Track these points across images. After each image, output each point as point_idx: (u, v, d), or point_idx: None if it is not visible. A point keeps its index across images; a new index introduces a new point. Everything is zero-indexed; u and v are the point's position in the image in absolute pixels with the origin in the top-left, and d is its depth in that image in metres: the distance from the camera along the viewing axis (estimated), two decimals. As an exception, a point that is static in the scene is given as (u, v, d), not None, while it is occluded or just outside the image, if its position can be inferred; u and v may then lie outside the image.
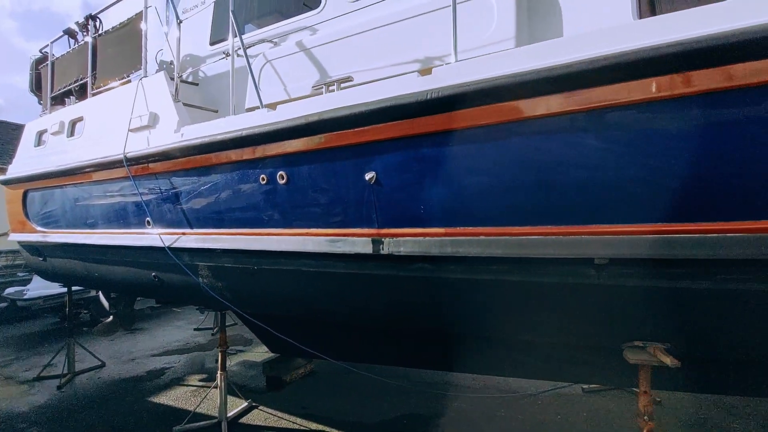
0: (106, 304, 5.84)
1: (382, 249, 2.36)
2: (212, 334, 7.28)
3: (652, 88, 1.65)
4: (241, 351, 6.42)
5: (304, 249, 2.66)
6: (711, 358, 2.23)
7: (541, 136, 1.86)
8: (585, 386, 4.54)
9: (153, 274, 3.81)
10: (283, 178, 2.64)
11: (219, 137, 2.88)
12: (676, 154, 1.66)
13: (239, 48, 3.03)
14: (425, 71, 2.25)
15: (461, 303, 2.41)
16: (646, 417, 2.30)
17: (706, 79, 1.56)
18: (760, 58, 1.49)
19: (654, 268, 1.86)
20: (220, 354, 4.04)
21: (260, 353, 5.99)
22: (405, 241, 2.29)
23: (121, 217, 3.85)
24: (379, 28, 2.78)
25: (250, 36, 3.78)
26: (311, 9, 3.45)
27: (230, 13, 3.05)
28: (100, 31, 4.77)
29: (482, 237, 2.09)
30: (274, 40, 3.63)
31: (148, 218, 3.53)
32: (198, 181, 3.16)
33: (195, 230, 3.25)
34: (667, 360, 2.05)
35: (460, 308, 2.44)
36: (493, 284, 2.20)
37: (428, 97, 2.05)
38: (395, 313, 2.74)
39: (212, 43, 4.07)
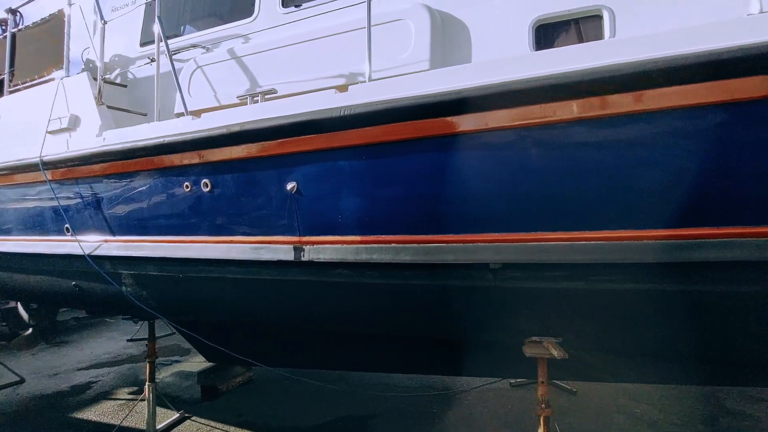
0: (24, 315, 5.42)
1: (303, 256, 2.45)
2: (147, 345, 6.95)
3: (532, 114, 1.89)
4: (177, 361, 6.20)
5: (229, 256, 2.69)
6: (597, 349, 2.52)
7: (441, 153, 2.05)
8: (512, 381, 4.86)
9: (73, 283, 3.64)
10: (207, 186, 2.66)
11: (142, 143, 2.84)
12: (546, 172, 1.91)
13: (164, 52, 3.01)
14: (343, 88, 2.39)
15: (378, 306, 2.55)
16: (543, 405, 2.55)
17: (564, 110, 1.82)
18: (614, 92, 1.75)
19: (538, 271, 2.11)
20: (147, 365, 3.92)
21: (197, 363, 5.82)
22: (324, 248, 2.40)
23: (38, 224, 3.65)
24: (306, 42, 2.89)
25: (181, 40, 3.75)
26: (245, 17, 3.49)
27: (157, 19, 3.03)
28: (20, 26, 4.49)
29: (393, 244, 2.25)
30: (206, 46, 3.62)
31: (66, 225, 3.37)
32: (120, 187, 3.08)
33: (117, 237, 3.17)
34: (555, 353, 2.31)
35: (378, 311, 2.59)
36: (404, 288, 2.36)
37: (341, 113, 2.18)
38: (320, 317, 2.83)
39: (142, 45, 3.97)
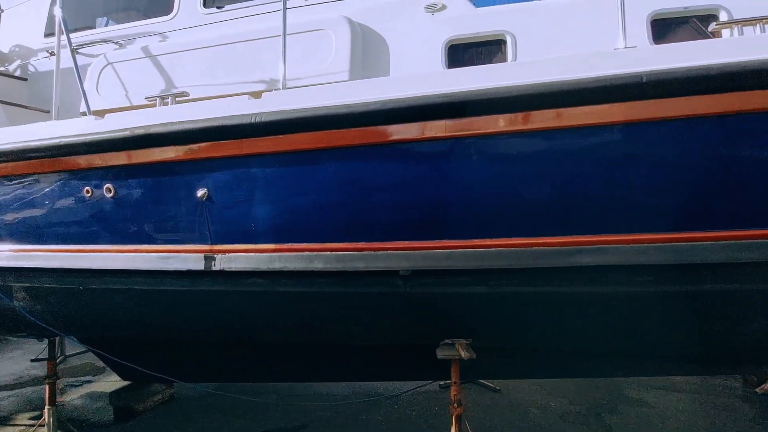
0: None
1: (214, 265, 2.37)
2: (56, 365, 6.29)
3: (434, 128, 1.99)
4: (88, 382, 5.67)
5: (135, 266, 2.53)
6: (502, 347, 2.68)
7: (350, 162, 2.09)
8: (442, 382, 5.02)
9: (-45, 298, 3.22)
10: (110, 192, 2.49)
11: (35, 144, 2.60)
12: (449, 182, 2.02)
13: (66, 45, 2.78)
14: (257, 94, 2.36)
15: (293, 315, 2.53)
16: (455, 404, 2.67)
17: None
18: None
19: (445, 276, 2.21)
20: (47, 386, 3.55)
21: (112, 383, 5.37)
22: (237, 257, 2.34)
23: None
24: (225, 45, 2.82)
25: (92, 33, 3.50)
26: (164, 14, 3.33)
27: (57, 7, 2.78)
28: None
29: (306, 252, 2.25)
30: (120, 42, 3.41)
31: (-55, 233, 2.99)
32: (12, 191, 2.79)
33: (8, 246, 2.86)
34: (463, 354, 2.44)
35: (293, 320, 2.57)
36: (319, 296, 2.37)
37: (252, 120, 2.15)
38: (235, 328, 2.75)
39: (46, 35, 3.65)
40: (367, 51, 2.75)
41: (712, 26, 1.96)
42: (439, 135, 1.96)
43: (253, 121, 2.15)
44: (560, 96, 1.77)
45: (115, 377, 4.96)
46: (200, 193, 2.33)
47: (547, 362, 2.88)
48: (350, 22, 2.71)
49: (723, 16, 2.36)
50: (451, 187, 2.02)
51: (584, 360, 2.82)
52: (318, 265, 2.24)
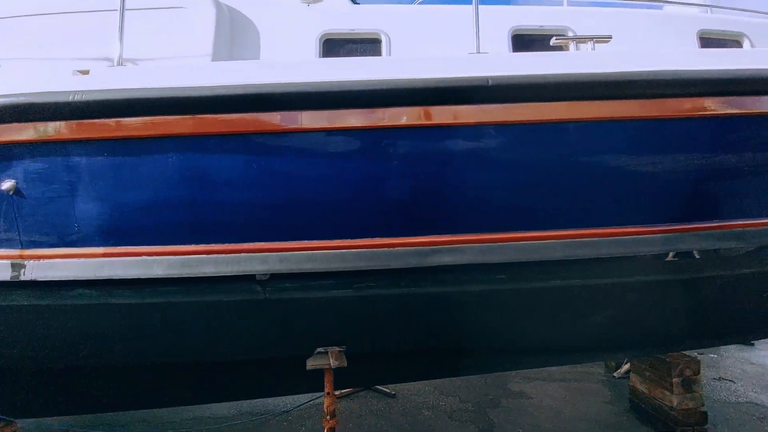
0: None
1: (24, 274, 1.94)
2: None
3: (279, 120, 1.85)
4: None
5: None
6: (374, 353, 2.61)
7: (195, 153, 1.86)
8: (336, 392, 4.85)
9: None
10: None
11: None
12: (310, 177, 1.90)
13: None
14: (85, 71, 2.00)
15: (137, 331, 2.18)
16: (328, 416, 2.53)
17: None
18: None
19: (309, 280, 2.07)
20: None
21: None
22: (54, 264, 1.94)
23: None
24: (56, 15, 2.39)
25: None
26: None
27: None
28: None
29: (144, 257, 1.94)
30: None
31: None
32: None
33: None
34: (332, 362, 2.31)
35: (137, 337, 2.22)
36: (164, 308, 2.06)
37: (72, 99, 1.81)
38: (61, 350, 2.29)
39: None
40: (236, 36, 2.54)
41: (553, 41, 2.13)
42: (295, 127, 1.83)
43: (73, 99, 1.80)
44: (408, 94, 1.76)
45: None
46: (5, 185, 1.90)
47: (428, 363, 2.89)
48: (216, 2, 2.47)
49: (570, 35, 2.61)
50: (309, 184, 1.90)
51: (462, 358, 2.88)
52: (158, 271, 1.94)
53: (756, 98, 2.07)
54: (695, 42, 2.73)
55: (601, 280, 2.43)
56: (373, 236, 1.93)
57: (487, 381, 5.06)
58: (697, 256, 2.80)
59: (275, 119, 1.83)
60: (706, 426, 3.56)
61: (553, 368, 5.33)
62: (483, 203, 1.95)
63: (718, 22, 2.89)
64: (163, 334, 2.21)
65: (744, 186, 2.32)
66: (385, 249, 1.94)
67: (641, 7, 2.92)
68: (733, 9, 3.33)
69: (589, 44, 2.06)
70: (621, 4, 2.90)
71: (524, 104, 1.80)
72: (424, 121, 1.79)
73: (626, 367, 4.71)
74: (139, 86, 1.79)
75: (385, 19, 2.59)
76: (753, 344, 5.82)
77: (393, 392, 4.79)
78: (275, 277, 2.02)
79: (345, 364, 2.36)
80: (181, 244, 1.91)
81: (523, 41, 2.64)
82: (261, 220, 1.91)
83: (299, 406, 4.56)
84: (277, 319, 2.22)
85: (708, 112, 2.03)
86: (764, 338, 4.39)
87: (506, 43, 2.57)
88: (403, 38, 2.55)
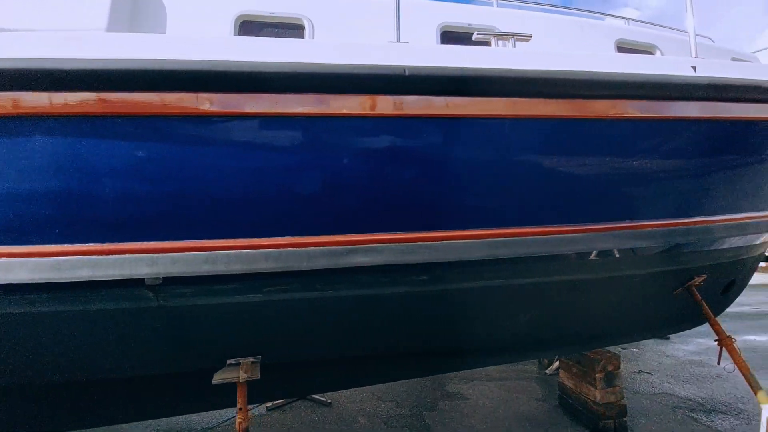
0: None
1: None
2: None
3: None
4: None
5: None
6: (295, 361, 2.43)
7: (56, 136, 1.58)
8: (269, 404, 4.59)
9: None
10: None
11: None
12: (204, 167, 1.69)
13: None
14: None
15: (5, 344, 1.84)
16: (242, 434, 2.30)
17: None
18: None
19: (209, 284, 1.85)
20: None
21: None
22: None
23: None
24: None
25: None
26: None
27: None
28: None
29: (4, 259, 1.63)
30: None
31: None
32: None
33: None
34: (243, 374, 2.10)
35: (12, 353, 1.87)
36: (32, 318, 1.75)
37: None
38: None
39: None
40: (139, 11, 2.26)
41: (475, 35, 2.09)
42: (186, 110, 1.62)
43: None
44: (319, 81, 1.62)
45: None
46: None
47: (356, 370, 2.74)
48: (114, -27, 2.18)
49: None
50: (206, 174, 1.69)
51: (392, 363, 2.76)
52: (22, 275, 1.64)
53: (666, 103, 2.15)
54: (613, 49, 2.86)
55: (525, 279, 2.43)
56: (280, 235, 1.76)
57: (425, 383, 5.03)
58: (617, 255, 2.91)
59: (168, 100, 1.60)
60: (626, 418, 3.73)
61: (491, 368, 5.42)
62: (400, 201, 1.85)
63: (635, 33, 3.03)
64: (33, 348, 1.88)
65: (654, 187, 2.42)
66: (295, 249, 1.78)
67: (566, 14, 3.00)
68: (648, 23, 3.55)
69: (510, 41, 2.05)
70: (548, 10, 2.96)
71: (442, 98, 1.73)
72: (334, 111, 1.66)
73: (556, 364, 4.87)
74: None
75: (309, 4, 2.43)
76: (668, 338, 6.29)
77: (329, 401, 4.61)
78: (169, 282, 1.78)
79: (258, 376, 2.16)
80: (51, 243, 1.63)
81: (452, 38, 2.60)
82: (149, 215, 1.67)
83: (225, 421, 4.25)
84: (177, 330, 1.97)
85: (622, 115, 2.08)
86: (678, 332, 4.71)
87: (435, 38, 2.51)
88: (327, 25, 2.41)
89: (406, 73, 1.65)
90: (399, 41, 1.87)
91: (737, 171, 2.63)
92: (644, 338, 5.04)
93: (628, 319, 3.78)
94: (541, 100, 1.83)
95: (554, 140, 1.95)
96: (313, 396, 4.64)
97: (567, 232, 2.09)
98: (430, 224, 1.93)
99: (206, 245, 1.71)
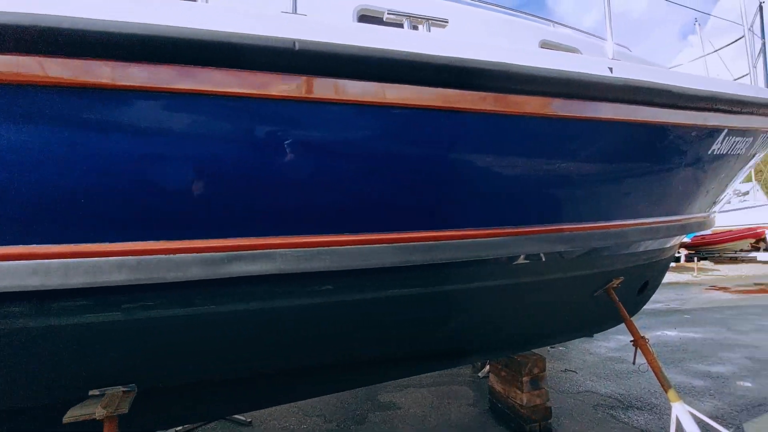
0: None
1: None
2: None
3: None
4: None
5: None
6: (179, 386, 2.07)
7: None
8: (179, 428, 4.09)
9: None
10: None
11: None
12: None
13: None
14: None
15: None
16: (107, 481, 1.90)
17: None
18: None
19: (46, 301, 1.46)
20: None
21: None
22: None
23: None
24: None
25: None
26: None
27: None
28: None
29: None
30: None
31: None
32: None
33: None
34: (98, 412, 1.71)
35: None
36: None
37: None
38: None
39: None
40: None
41: (386, 15, 1.88)
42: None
43: None
44: (186, 48, 1.30)
45: None
46: None
47: (265, 390, 2.42)
48: None
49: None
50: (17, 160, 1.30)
51: (304, 379, 2.48)
52: None
53: (581, 103, 2.08)
54: (537, 48, 2.81)
55: (447, 286, 2.26)
56: (137, 239, 1.41)
57: (357, 394, 4.79)
58: (543, 259, 2.85)
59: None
60: (551, 420, 3.74)
61: (425, 374, 5.31)
62: (293, 198, 1.58)
63: (559, 35, 3.01)
64: None
65: (573, 191, 2.37)
66: (158, 257, 1.44)
67: (493, 10, 2.90)
68: (573, 28, 3.58)
69: (424, 25, 1.87)
70: (473, 4, 2.85)
71: (341, 80, 1.49)
72: (203, 87, 1.35)
73: (488, 367, 4.86)
74: None
75: None
76: (593, 336, 6.58)
77: (248, 419, 4.21)
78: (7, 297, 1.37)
79: (125, 409, 1.78)
80: None
81: (370, 22, 2.39)
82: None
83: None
84: (9, 359, 1.54)
85: (537, 112, 1.97)
86: (602, 331, 4.88)
87: (352, 21, 2.28)
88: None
89: (296, 47, 1.39)
90: (295, 12, 1.60)
91: (650, 176, 2.66)
92: (572, 338, 5.19)
93: (554, 322, 3.81)
94: (450, 91, 1.65)
95: (467, 135, 1.79)
96: (234, 416, 4.22)
97: (486, 236, 1.95)
98: (333, 226, 1.68)
99: (32, 252, 1.33)
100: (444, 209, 1.86)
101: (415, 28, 2.05)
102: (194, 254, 1.46)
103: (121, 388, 1.85)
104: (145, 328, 1.60)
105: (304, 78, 1.42)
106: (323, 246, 1.66)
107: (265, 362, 2.01)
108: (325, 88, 1.49)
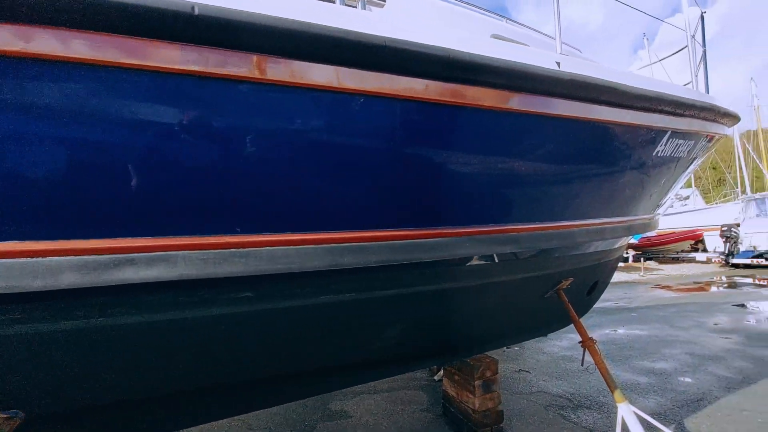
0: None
1: None
2: None
3: None
4: None
5: None
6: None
7: None
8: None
9: None
10: None
11: None
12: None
13: None
14: None
15: None
16: None
17: None
18: None
19: None
20: None
21: None
22: None
23: None
24: None
25: None
26: None
27: None
28: None
29: None
30: None
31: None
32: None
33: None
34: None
35: None
36: None
37: None
38: None
39: None
40: None
41: None
42: None
43: None
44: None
45: None
46: None
47: (183, 407, 2.16)
48: None
49: None
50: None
51: (241, 393, 2.23)
52: None
53: (526, 97, 1.98)
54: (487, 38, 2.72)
55: (387, 291, 2.10)
56: (10, 238, 1.14)
57: (306, 403, 4.55)
58: (497, 260, 2.76)
59: None
60: (502, 424, 3.68)
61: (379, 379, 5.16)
62: (195, 193, 1.36)
63: (510, 30, 2.94)
64: None
65: (520, 190, 2.28)
66: (20, 260, 1.17)
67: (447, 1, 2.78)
68: (525, 25, 3.55)
69: (359, 3, 1.71)
70: (425, -6, 2.72)
71: (255, 55, 1.29)
72: (81, 54, 1.11)
73: (443, 371, 4.77)
74: None
75: None
76: (546, 336, 6.68)
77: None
78: None
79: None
80: None
81: None
82: None
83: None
84: None
85: (485, 105, 1.85)
86: (555, 331, 4.91)
87: None
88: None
89: (196, 12, 1.17)
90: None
91: (596, 176, 2.63)
92: (525, 339, 5.20)
93: (506, 324, 3.75)
94: (383, 75, 1.48)
95: (403, 126, 1.63)
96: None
97: (423, 236, 1.80)
98: (250, 225, 1.47)
99: None
100: (377, 207, 1.69)
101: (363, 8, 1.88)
102: (69, 257, 1.20)
103: (2, 414, 1.55)
104: (12, 345, 1.32)
105: (205, 49, 1.21)
106: (235, 247, 1.45)
107: (177, 381, 1.76)
108: (238, 65, 1.29)
